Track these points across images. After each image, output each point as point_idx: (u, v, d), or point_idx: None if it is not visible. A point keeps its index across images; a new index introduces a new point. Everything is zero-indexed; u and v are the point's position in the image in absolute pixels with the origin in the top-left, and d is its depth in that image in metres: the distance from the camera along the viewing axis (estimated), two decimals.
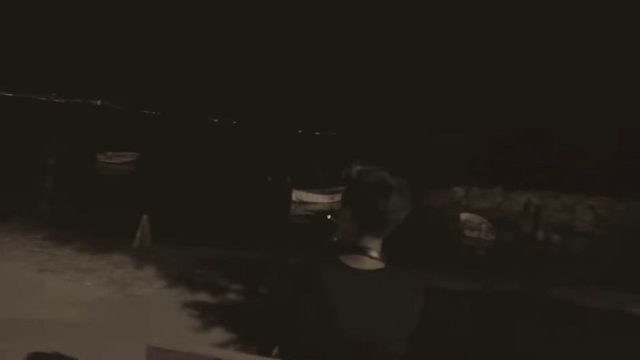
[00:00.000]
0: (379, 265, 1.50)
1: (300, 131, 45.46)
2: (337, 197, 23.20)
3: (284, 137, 39.71)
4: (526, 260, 16.33)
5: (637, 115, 25.73)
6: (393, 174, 1.53)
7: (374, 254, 1.50)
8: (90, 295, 6.32)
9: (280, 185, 24.12)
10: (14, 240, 8.52)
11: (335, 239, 1.60)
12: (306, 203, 22.16)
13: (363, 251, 1.50)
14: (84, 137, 33.38)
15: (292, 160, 30.92)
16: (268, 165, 28.94)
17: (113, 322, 5.51)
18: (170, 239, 10.05)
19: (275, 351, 1.47)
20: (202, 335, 5.23)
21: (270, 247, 10.83)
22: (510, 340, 6.08)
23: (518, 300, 9.05)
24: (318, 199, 22.44)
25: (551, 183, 25.31)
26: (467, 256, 16.52)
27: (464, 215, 20.34)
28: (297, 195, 22.56)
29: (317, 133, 44.92)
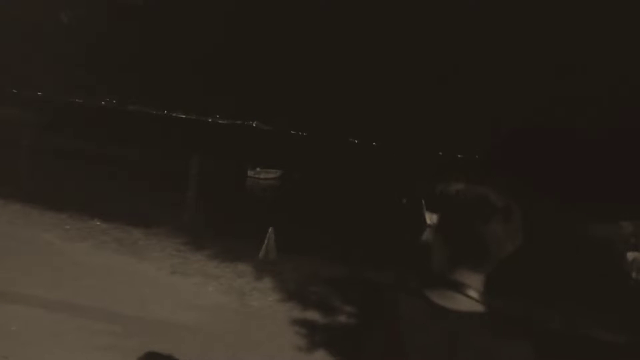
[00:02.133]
0: (476, 306, 1.25)
1: (440, 153, 44.08)
2: None
3: (422, 159, 38.81)
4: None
5: None
6: (503, 194, 1.25)
7: (471, 292, 1.26)
8: (210, 301, 6.61)
9: (415, 207, 23.48)
10: (157, 243, 9.35)
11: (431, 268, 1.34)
12: None
13: (455, 287, 1.26)
14: (240, 154, 36.22)
15: (427, 182, 30.05)
16: (404, 186, 28.46)
17: (224, 330, 5.66)
18: (294, 253, 10.23)
19: None
20: (304, 356, 5.12)
21: (394, 271, 10.45)
22: None
23: None
24: None
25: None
26: (634, 302, 14.26)
27: (632, 255, 17.81)
28: (431, 218, 21.80)
29: (459, 155, 43.15)
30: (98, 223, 10.17)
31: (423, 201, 24.16)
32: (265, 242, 9.64)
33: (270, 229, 9.77)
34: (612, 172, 26.03)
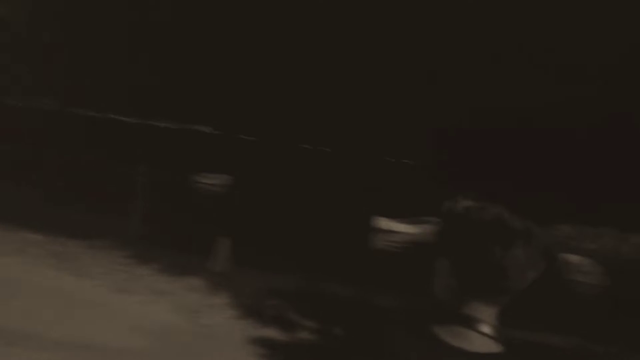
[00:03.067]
0: (492, 347, 1.09)
1: (391, 159, 44.53)
2: (424, 228, 22.15)
3: (372, 165, 39.09)
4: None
5: None
6: (519, 215, 1.14)
7: (485, 328, 1.09)
8: (159, 321, 6.09)
9: (365, 213, 23.49)
10: (99, 257, 8.67)
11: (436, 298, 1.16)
12: (391, 233, 21.36)
13: (467, 323, 1.10)
14: (185, 159, 35.20)
15: (378, 188, 30.27)
16: (355, 193, 28.51)
17: (176, 353, 5.19)
18: (248, 265, 9.78)
19: None
20: None
21: (350, 281, 10.21)
22: None
23: None
24: (403, 229, 21.56)
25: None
26: (572, 305, 14.67)
27: (571, 258, 18.42)
28: (382, 224, 21.82)
29: (407, 161, 43.65)
30: (32, 235, 9.33)
31: (372, 207, 24.19)
32: (218, 253, 9.16)
33: (222, 240, 9.30)
34: (548, 173, 26.93)
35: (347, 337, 6.05)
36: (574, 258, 18.31)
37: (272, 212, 21.01)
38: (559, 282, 16.60)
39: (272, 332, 6.05)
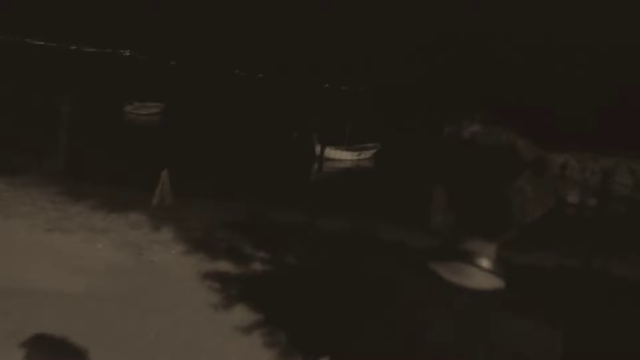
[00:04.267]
0: (493, 282, 1.03)
1: (326, 85, 44.16)
2: (364, 155, 22.43)
3: (311, 92, 38.50)
4: (562, 225, 15.28)
5: None
6: (530, 142, 1.06)
7: (486, 263, 1.03)
8: (102, 260, 5.71)
9: (306, 141, 23.31)
10: (25, 194, 7.96)
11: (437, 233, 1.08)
12: (332, 160, 21.47)
13: (467, 258, 1.04)
14: (111, 87, 33.03)
15: (318, 115, 30.04)
16: (294, 120, 28.10)
17: (124, 294, 4.89)
18: (192, 197, 9.42)
19: None
20: (223, 315, 4.57)
21: (296, 208, 10.14)
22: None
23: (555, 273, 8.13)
24: (344, 156, 21.73)
25: (590, 144, 23.85)
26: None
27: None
28: (325, 152, 21.79)
29: (344, 88, 43.55)
30: None
31: (314, 135, 24.06)
32: (159, 186, 8.68)
33: (163, 172, 8.79)
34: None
35: (302, 265, 5.99)
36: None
37: (210, 139, 20.31)
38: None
39: (224, 265, 5.86)
